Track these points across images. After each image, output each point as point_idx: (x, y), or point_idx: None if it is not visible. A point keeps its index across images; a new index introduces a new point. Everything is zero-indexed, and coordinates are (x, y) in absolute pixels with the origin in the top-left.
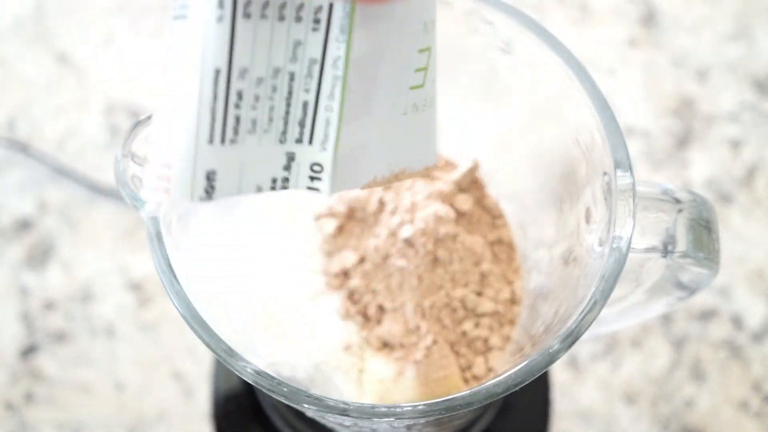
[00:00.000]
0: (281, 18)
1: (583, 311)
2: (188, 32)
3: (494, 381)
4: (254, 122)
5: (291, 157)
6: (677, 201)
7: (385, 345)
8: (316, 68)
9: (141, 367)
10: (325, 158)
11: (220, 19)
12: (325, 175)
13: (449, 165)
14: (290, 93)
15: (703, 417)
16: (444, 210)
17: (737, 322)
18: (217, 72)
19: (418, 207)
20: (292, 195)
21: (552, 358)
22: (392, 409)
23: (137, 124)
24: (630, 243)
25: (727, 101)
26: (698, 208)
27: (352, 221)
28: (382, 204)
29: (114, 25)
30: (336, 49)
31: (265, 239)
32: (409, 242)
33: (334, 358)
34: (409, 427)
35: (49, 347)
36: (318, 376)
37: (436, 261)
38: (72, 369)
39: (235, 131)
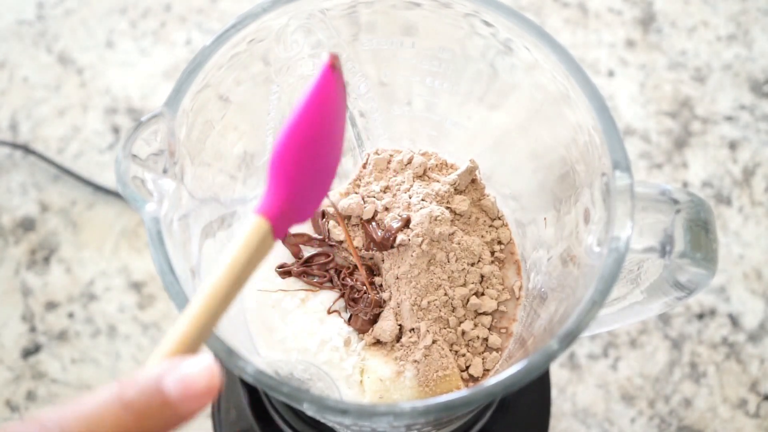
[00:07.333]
0: None
1: (581, 311)
2: None
3: (494, 381)
4: None
5: None
6: (675, 202)
7: (378, 342)
8: None
9: (142, 366)
10: None
11: None
12: None
13: (448, 166)
14: None
15: (702, 416)
16: (439, 211)
17: (735, 322)
18: None
19: (413, 208)
20: None
21: (551, 357)
22: (392, 409)
23: (138, 125)
24: (628, 243)
25: (725, 103)
26: (696, 209)
27: (348, 225)
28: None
29: (115, 27)
30: None
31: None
32: (403, 242)
33: (335, 357)
34: (408, 426)
35: (50, 347)
36: (318, 375)
37: (432, 261)
38: (73, 368)
39: None
